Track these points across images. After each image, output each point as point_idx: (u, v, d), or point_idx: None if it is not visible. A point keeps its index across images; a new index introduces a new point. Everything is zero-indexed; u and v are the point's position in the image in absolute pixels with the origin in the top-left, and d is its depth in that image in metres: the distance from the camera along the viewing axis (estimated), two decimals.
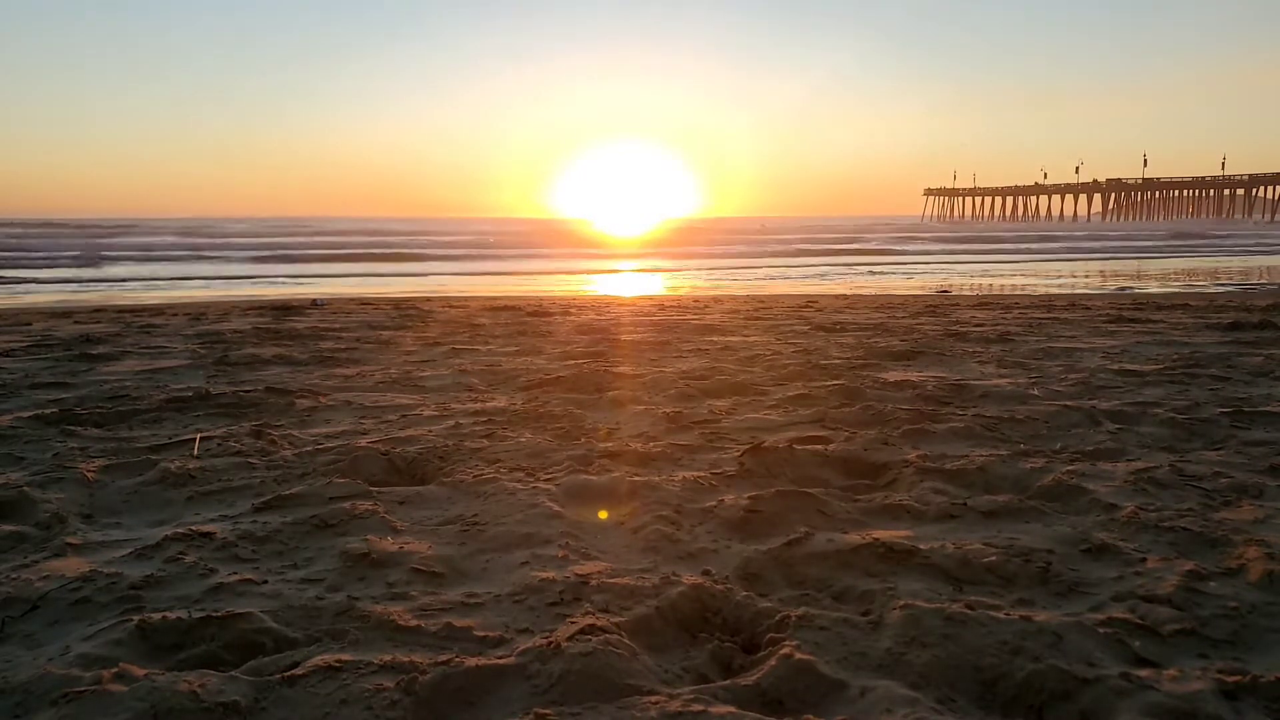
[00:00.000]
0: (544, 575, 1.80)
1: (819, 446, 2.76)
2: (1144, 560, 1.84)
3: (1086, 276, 15.40)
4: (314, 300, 9.06)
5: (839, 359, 4.71)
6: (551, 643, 1.46)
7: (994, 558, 1.85)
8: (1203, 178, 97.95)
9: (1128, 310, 7.41)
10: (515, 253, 23.62)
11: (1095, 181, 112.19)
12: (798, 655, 1.42)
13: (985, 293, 11.20)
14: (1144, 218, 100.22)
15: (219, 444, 2.91)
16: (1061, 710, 1.32)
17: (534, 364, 4.67)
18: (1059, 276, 15.45)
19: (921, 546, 1.89)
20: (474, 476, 2.51)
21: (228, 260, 19.51)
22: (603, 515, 2.23)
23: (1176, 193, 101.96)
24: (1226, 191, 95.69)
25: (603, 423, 3.24)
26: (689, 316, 7.29)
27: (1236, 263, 19.77)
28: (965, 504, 2.22)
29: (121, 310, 8.27)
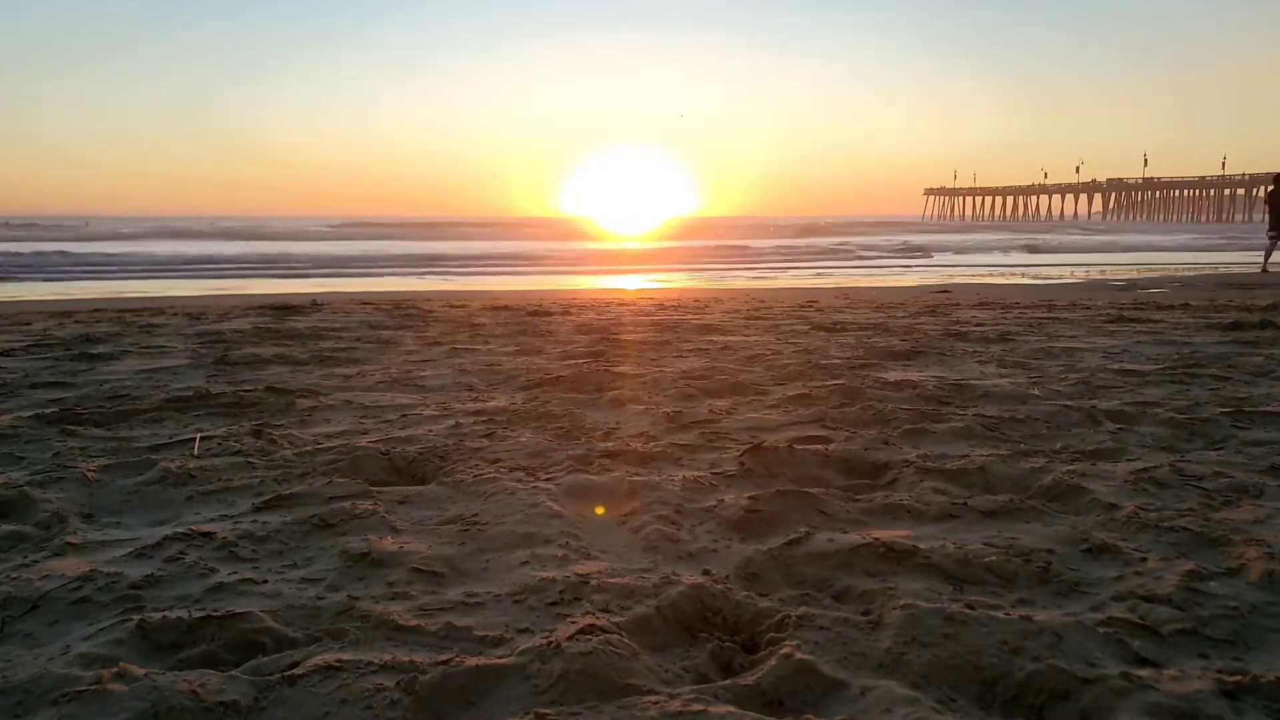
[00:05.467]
0: (544, 575, 1.80)
1: (819, 446, 2.76)
2: (1144, 560, 1.84)
3: None
4: (314, 300, 9.06)
5: (839, 359, 4.71)
6: (551, 642, 1.46)
7: (994, 558, 1.85)
8: (1203, 177, 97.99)
9: (1128, 310, 7.41)
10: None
11: (1095, 181, 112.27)
12: (798, 655, 1.42)
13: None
14: (1144, 218, 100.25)
15: (219, 444, 2.91)
16: (1061, 710, 1.32)
17: (534, 363, 4.67)
18: None
19: (921, 546, 1.89)
20: (474, 476, 2.51)
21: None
22: (602, 515, 2.23)
23: (1176, 193, 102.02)
24: (1227, 191, 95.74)
25: (603, 422, 3.24)
26: (689, 316, 7.29)
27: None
28: (965, 504, 2.22)
29: (121, 310, 8.27)
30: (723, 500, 2.24)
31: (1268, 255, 15.20)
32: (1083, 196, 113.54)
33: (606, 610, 1.63)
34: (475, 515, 2.19)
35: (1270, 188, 15.24)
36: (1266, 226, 15.25)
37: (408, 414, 3.41)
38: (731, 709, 1.29)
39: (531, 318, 7.14)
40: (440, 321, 6.90)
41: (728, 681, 1.40)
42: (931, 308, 8.12)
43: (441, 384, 4.11)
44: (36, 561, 1.91)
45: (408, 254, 22.32)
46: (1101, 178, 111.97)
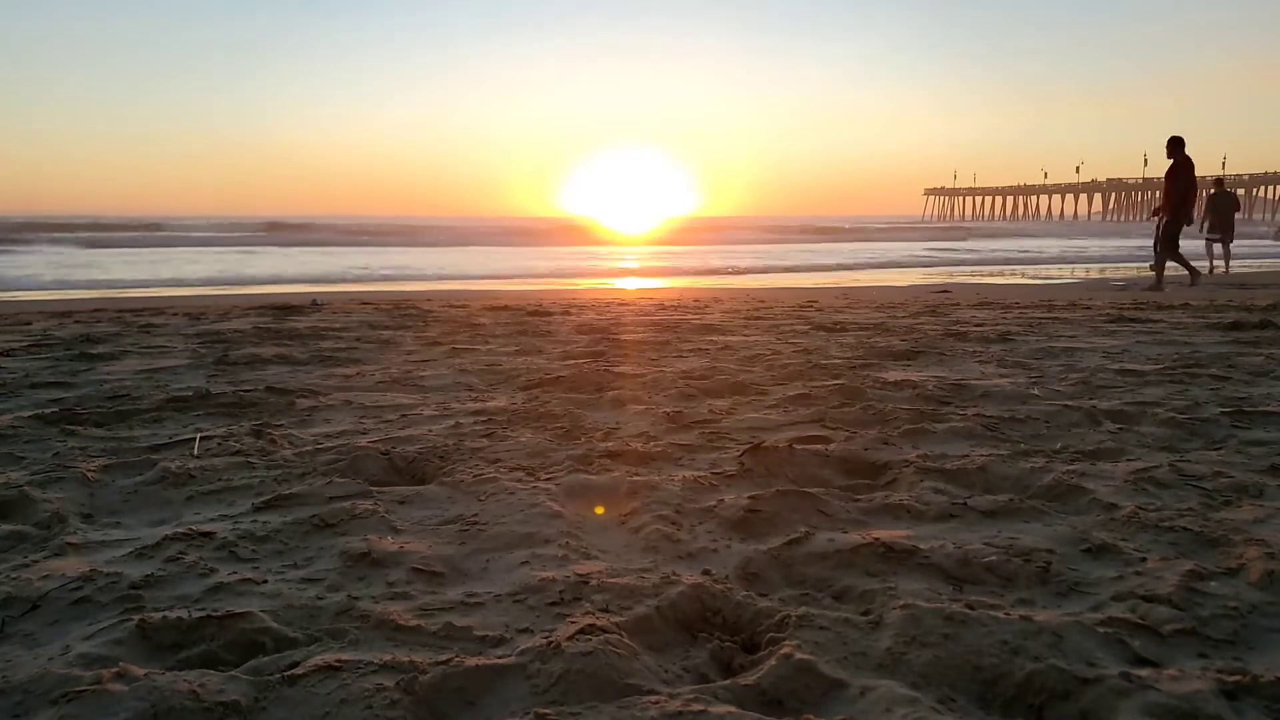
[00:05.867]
0: (544, 575, 1.80)
1: (819, 446, 2.76)
2: (1144, 560, 1.84)
3: None
4: (314, 300, 9.06)
5: (839, 358, 4.71)
6: (551, 642, 1.46)
7: (994, 557, 1.85)
8: (1203, 177, 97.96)
9: (1128, 310, 7.41)
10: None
11: (1095, 181, 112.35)
12: (798, 655, 1.42)
13: None
14: (1144, 218, 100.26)
15: (219, 443, 2.91)
16: (1061, 710, 1.32)
17: (534, 363, 4.67)
18: None
19: (921, 546, 1.89)
20: (474, 476, 2.51)
21: None
22: (602, 515, 2.23)
23: None
24: None
25: (603, 422, 3.24)
26: (689, 316, 7.29)
27: None
28: (965, 504, 2.22)
29: (121, 310, 8.27)
30: (723, 500, 2.24)
31: (1222, 257, 15.13)
32: (1083, 196, 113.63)
33: (606, 610, 1.63)
34: (475, 515, 2.19)
35: (1212, 191, 15.26)
36: (1206, 229, 15.20)
37: (408, 414, 3.41)
38: (731, 709, 1.29)
39: (531, 318, 7.14)
40: (440, 321, 6.90)
41: (728, 681, 1.40)
42: (931, 307, 8.12)
43: (441, 384, 4.11)
44: (36, 561, 1.91)
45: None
46: (1101, 178, 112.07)
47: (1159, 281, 11.61)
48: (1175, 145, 11.57)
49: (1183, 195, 11.53)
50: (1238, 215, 15.82)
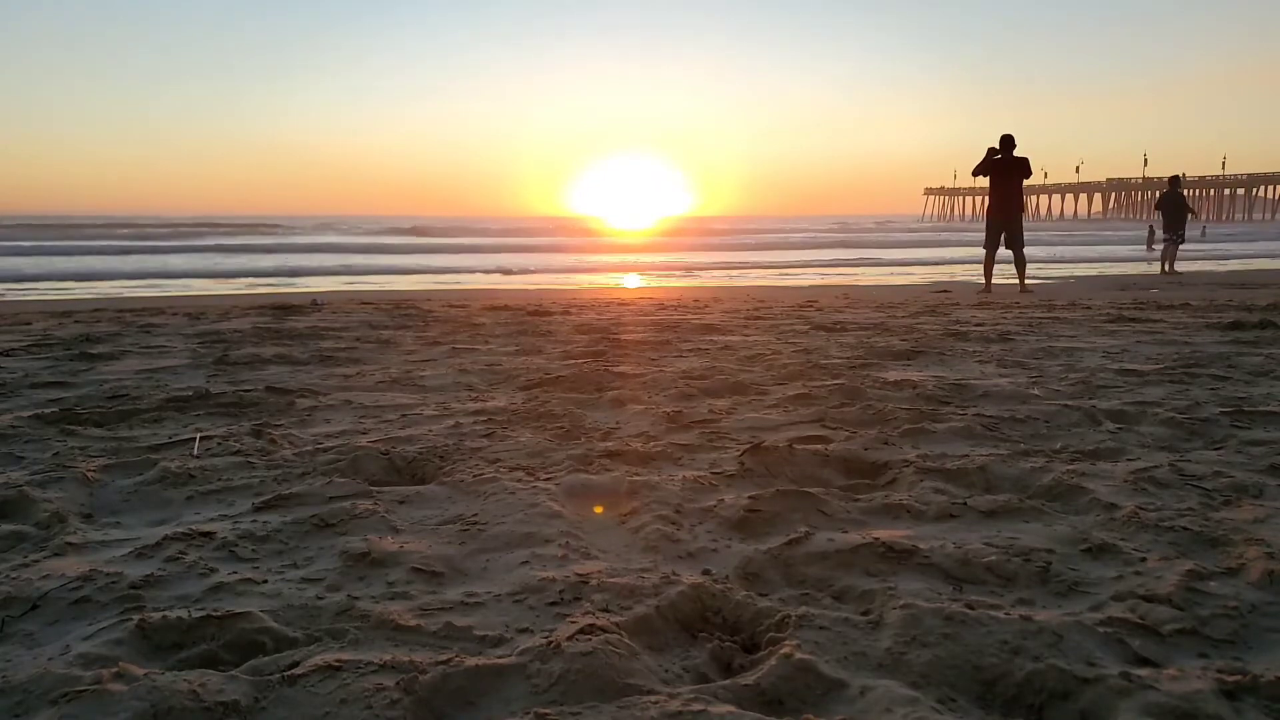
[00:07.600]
0: (544, 575, 1.80)
1: (819, 446, 2.76)
2: (1144, 560, 1.84)
3: None
4: (314, 300, 9.06)
5: (839, 358, 4.71)
6: (551, 642, 1.46)
7: (994, 557, 1.85)
8: (1203, 177, 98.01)
9: (1128, 310, 7.41)
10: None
11: (1095, 181, 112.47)
12: (798, 655, 1.42)
13: None
14: (1144, 217, 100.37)
15: (219, 443, 2.91)
16: (1061, 710, 1.32)
17: (534, 363, 4.67)
18: None
19: (921, 546, 1.89)
20: (474, 476, 2.51)
21: None
22: (602, 514, 2.23)
23: None
24: (1227, 191, 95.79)
25: (603, 422, 3.24)
26: (689, 316, 7.29)
27: None
28: (965, 503, 2.22)
29: (121, 310, 8.27)
30: (723, 500, 2.24)
31: (1170, 259, 15.36)
32: (1082, 196, 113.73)
33: (606, 610, 1.63)
34: (475, 515, 2.19)
35: (1165, 191, 15.43)
36: (1161, 229, 15.41)
37: (408, 414, 3.41)
38: (731, 709, 1.29)
39: (531, 318, 7.14)
40: (440, 321, 6.90)
41: (728, 681, 1.40)
42: (931, 307, 8.12)
43: (441, 384, 4.11)
44: (36, 561, 1.91)
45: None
46: (1101, 177, 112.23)
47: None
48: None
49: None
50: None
